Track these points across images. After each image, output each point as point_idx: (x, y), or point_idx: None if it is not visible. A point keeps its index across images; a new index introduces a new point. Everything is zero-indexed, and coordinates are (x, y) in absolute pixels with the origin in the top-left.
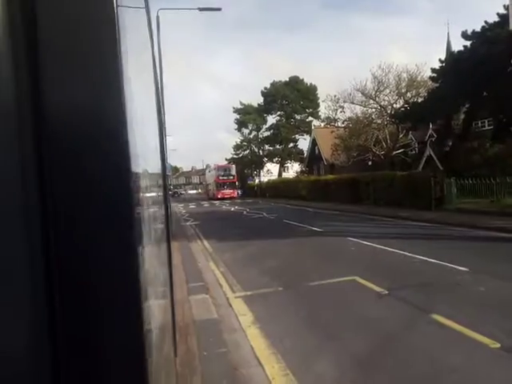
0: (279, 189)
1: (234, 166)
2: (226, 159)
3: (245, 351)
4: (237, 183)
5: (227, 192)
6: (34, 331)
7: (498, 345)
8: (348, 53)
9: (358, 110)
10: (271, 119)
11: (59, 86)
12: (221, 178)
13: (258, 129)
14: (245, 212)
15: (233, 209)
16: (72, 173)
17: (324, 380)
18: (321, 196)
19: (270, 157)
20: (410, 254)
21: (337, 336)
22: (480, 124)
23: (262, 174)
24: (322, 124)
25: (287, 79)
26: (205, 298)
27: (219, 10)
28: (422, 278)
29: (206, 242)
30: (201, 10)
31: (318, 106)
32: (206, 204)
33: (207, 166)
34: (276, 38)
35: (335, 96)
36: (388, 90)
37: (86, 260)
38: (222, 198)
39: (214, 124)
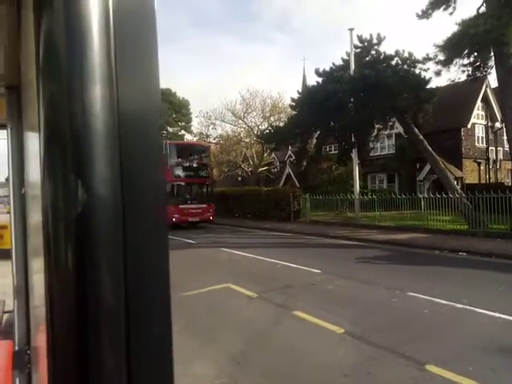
0: None
1: (209, 144)
2: None
3: None
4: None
5: (196, 209)
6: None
7: (343, 330)
8: (215, 71)
9: (229, 128)
10: None
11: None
12: (183, 173)
13: None
14: None
15: None
16: (137, 169)
17: (204, 378)
18: None
19: None
20: (274, 261)
21: (214, 338)
22: (328, 148)
23: None
24: (195, 138)
25: None
26: None
27: None
28: (285, 281)
29: None
30: None
31: (190, 120)
32: None
33: None
34: None
35: (207, 113)
36: (255, 113)
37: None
38: (185, 223)
39: None
